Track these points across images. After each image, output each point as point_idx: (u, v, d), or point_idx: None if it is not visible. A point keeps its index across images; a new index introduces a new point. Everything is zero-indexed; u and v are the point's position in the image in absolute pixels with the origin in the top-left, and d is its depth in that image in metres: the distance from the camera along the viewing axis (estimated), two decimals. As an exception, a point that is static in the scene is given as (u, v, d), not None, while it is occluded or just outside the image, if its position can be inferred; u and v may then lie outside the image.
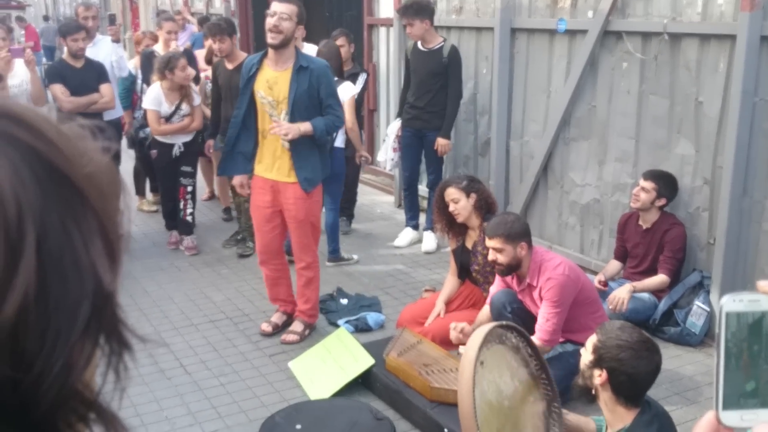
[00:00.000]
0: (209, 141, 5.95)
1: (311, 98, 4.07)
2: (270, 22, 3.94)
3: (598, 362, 2.58)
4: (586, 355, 2.64)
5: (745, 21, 3.94)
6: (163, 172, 5.92)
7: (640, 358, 2.52)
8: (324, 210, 5.54)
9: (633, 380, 2.54)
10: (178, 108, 5.69)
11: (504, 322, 3.13)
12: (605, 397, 2.59)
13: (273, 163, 4.19)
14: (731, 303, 0.72)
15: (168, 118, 5.69)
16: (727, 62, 4.18)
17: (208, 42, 6.62)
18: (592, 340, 2.63)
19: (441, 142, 5.65)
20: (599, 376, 2.56)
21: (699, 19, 4.31)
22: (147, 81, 6.38)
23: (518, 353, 3.03)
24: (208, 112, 6.42)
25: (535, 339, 3.54)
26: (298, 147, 4.07)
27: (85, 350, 0.47)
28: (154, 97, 5.64)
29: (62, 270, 0.45)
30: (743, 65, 3.98)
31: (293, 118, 4.05)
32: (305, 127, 4.02)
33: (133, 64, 6.72)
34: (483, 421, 2.74)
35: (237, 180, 4.49)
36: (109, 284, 0.48)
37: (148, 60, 6.48)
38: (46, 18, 18.50)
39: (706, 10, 4.27)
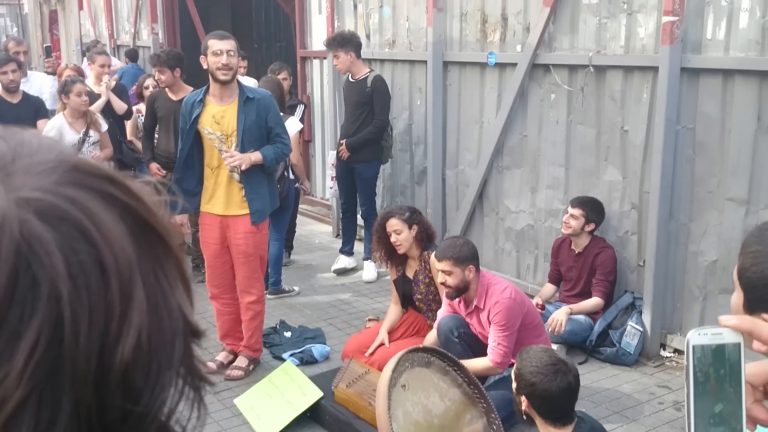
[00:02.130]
0: (153, 164, 5.71)
1: (260, 128, 4.11)
2: (220, 61, 3.98)
3: (518, 389, 2.73)
4: (513, 383, 2.79)
5: (666, 53, 4.18)
6: None
7: (550, 381, 2.64)
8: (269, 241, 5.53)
9: (549, 402, 2.67)
10: (86, 135, 5.49)
11: (423, 347, 3.28)
12: (536, 420, 2.73)
13: (222, 198, 4.17)
14: (696, 337, 0.79)
15: (78, 149, 5.44)
16: (650, 92, 4.41)
17: (143, 76, 6.56)
18: (514, 368, 2.78)
19: (342, 147, 5.72)
20: (523, 402, 2.71)
21: (622, 51, 4.55)
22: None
23: (447, 375, 3.15)
24: (139, 144, 6.32)
25: (488, 362, 3.63)
26: (249, 178, 4.09)
27: (177, 386, 0.52)
28: (55, 128, 5.38)
29: (158, 312, 0.50)
30: (665, 95, 4.21)
31: (244, 150, 4.07)
32: (256, 156, 4.05)
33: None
34: None
35: (178, 219, 4.43)
36: (195, 323, 0.54)
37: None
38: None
39: (628, 43, 4.51)
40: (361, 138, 5.68)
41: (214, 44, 4.00)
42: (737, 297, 1.04)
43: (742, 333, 0.79)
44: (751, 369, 0.83)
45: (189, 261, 6.07)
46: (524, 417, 2.78)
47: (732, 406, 0.78)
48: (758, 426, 0.86)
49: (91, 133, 5.52)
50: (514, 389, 2.76)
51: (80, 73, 6.84)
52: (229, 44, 4.03)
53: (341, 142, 5.81)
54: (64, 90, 5.39)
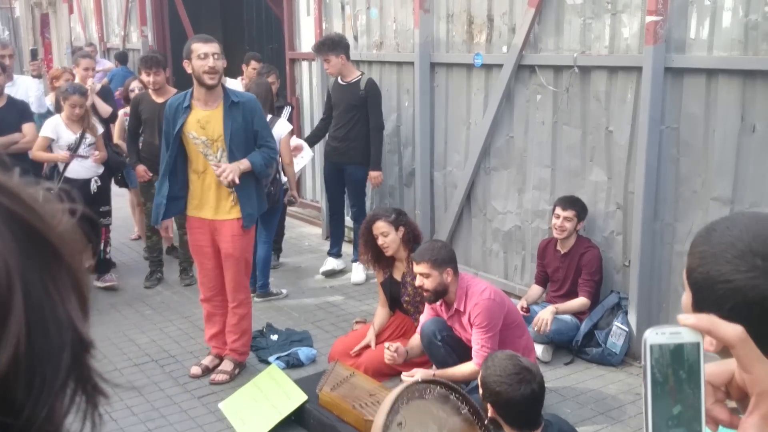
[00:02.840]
0: (140, 166, 5.74)
1: (246, 132, 4.10)
2: (207, 64, 3.95)
3: (484, 396, 2.73)
4: (480, 390, 2.78)
5: (650, 53, 4.17)
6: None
7: (514, 390, 2.65)
8: (257, 243, 5.52)
9: (513, 410, 2.67)
10: (83, 137, 5.57)
11: (424, 378, 3.17)
12: (504, 426, 2.73)
13: (212, 203, 4.16)
14: (654, 336, 0.77)
15: (75, 149, 5.54)
16: (635, 93, 4.40)
17: (129, 79, 6.54)
18: (479, 375, 2.78)
19: (373, 174, 5.73)
20: (489, 409, 2.70)
21: (607, 52, 4.54)
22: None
23: (447, 403, 3.07)
24: (125, 147, 6.30)
25: (473, 365, 3.61)
26: (241, 183, 4.07)
27: (66, 398, 0.51)
28: (51, 127, 5.51)
29: (44, 323, 0.49)
30: (649, 95, 4.21)
31: (231, 154, 4.06)
32: (245, 164, 4.04)
33: (50, 101, 6.54)
34: None
35: (163, 223, 4.42)
36: (85, 334, 0.52)
37: (62, 98, 6.33)
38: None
39: (613, 43, 4.50)
40: (376, 150, 5.70)
41: (199, 48, 3.97)
42: (687, 297, 1.04)
43: (701, 332, 0.78)
44: (711, 369, 0.82)
45: (177, 264, 6.07)
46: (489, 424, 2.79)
47: (691, 407, 0.77)
48: (720, 427, 0.85)
49: (87, 135, 5.58)
50: (480, 396, 2.76)
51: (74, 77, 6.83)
52: (213, 47, 4.00)
53: (371, 173, 5.75)
54: (63, 95, 5.47)
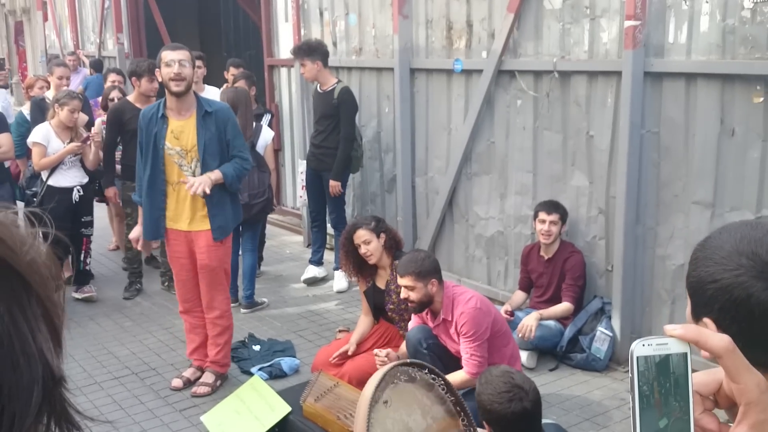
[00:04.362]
0: (111, 189, 5.71)
1: (220, 142, 4.06)
2: (171, 71, 3.91)
3: (480, 414, 2.73)
4: (477, 406, 2.77)
5: (629, 58, 4.18)
6: (61, 223, 5.49)
7: (505, 409, 2.64)
8: (241, 252, 5.49)
9: (507, 427, 2.66)
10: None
11: (412, 360, 3.18)
12: None
13: (187, 213, 4.10)
14: (641, 348, 0.76)
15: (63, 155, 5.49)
16: (615, 97, 4.41)
17: (108, 86, 6.48)
18: (475, 392, 2.77)
19: (331, 183, 5.70)
20: (486, 427, 2.70)
21: (586, 57, 4.55)
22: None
23: (431, 390, 3.07)
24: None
25: (464, 374, 3.59)
26: (212, 194, 4.02)
27: None
28: (42, 134, 5.45)
29: (13, 357, 0.47)
30: (629, 99, 4.22)
31: (205, 164, 4.01)
32: (216, 175, 3.99)
33: (27, 110, 6.45)
34: None
35: (134, 234, 4.36)
36: (56, 368, 0.50)
37: (38, 107, 6.25)
38: None
39: (592, 48, 4.51)
40: (339, 160, 5.64)
41: (167, 55, 3.95)
42: (688, 307, 1.05)
43: (689, 342, 0.76)
44: (699, 378, 0.81)
45: (158, 274, 5.99)
46: None
47: (678, 420, 0.76)
48: None
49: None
50: (478, 412, 2.75)
51: (50, 86, 6.73)
52: (181, 54, 3.96)
53: (330, 182, 5.70)
54: (60, 101, 5.40)
